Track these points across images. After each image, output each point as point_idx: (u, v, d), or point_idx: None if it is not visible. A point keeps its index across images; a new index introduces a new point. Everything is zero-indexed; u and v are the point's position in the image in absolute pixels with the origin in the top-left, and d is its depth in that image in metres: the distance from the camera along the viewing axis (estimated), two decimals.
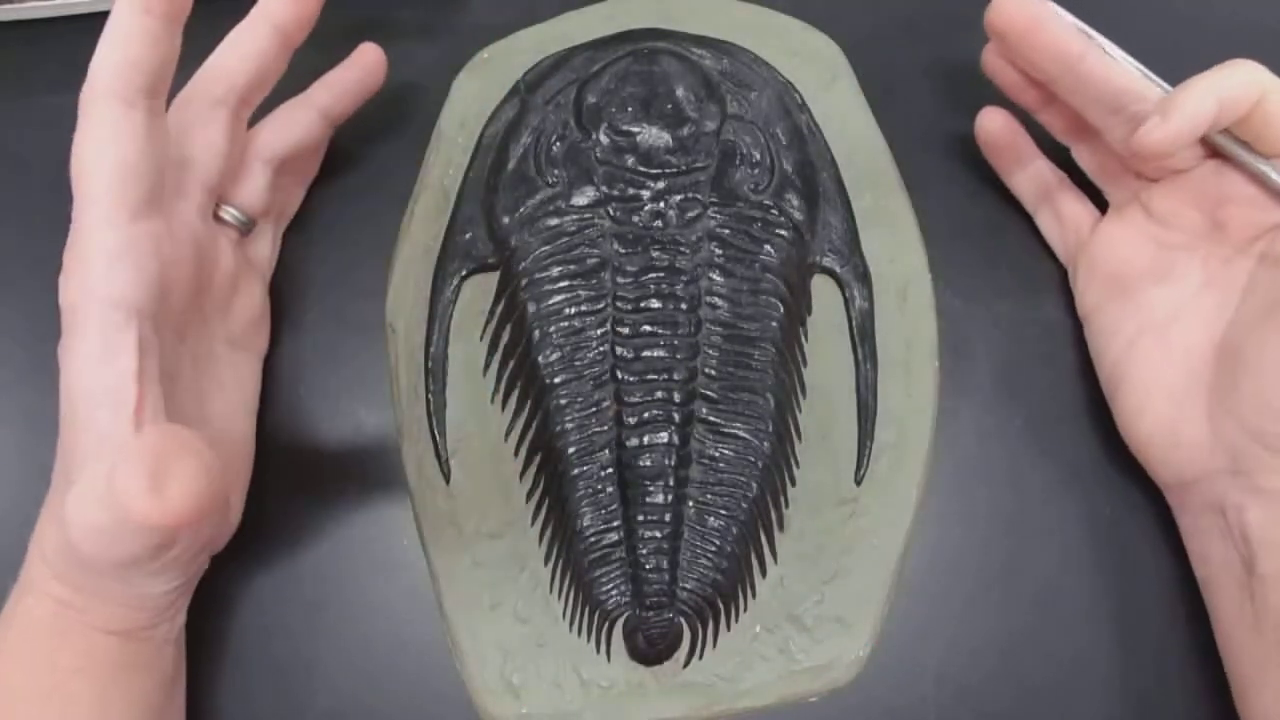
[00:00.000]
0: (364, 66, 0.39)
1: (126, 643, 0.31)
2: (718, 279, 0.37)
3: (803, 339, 0.38)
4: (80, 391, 0.28)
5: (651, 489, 0.35)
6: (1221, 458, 0.33)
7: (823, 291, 0.38)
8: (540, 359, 0.36)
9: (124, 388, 0.28)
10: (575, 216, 0.37)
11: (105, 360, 0.28)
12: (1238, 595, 0.32)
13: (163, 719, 0.33)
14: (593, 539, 0.36)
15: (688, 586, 0.35)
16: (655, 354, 0.36)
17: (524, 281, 0.37)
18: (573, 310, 0.37)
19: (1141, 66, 0.34)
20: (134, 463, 0.26)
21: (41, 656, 0.30)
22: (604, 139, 0.38)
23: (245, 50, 0.35)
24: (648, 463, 0.36)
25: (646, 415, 0.36)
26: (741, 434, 0.36)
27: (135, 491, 0.26)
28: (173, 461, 0.27)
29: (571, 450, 0.36)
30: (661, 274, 0.36)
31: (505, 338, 0.38)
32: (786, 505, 0.37)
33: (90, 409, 0.28)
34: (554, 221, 0.37)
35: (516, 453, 0.37)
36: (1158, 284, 0.35)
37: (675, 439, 0.36)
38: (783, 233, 0.37)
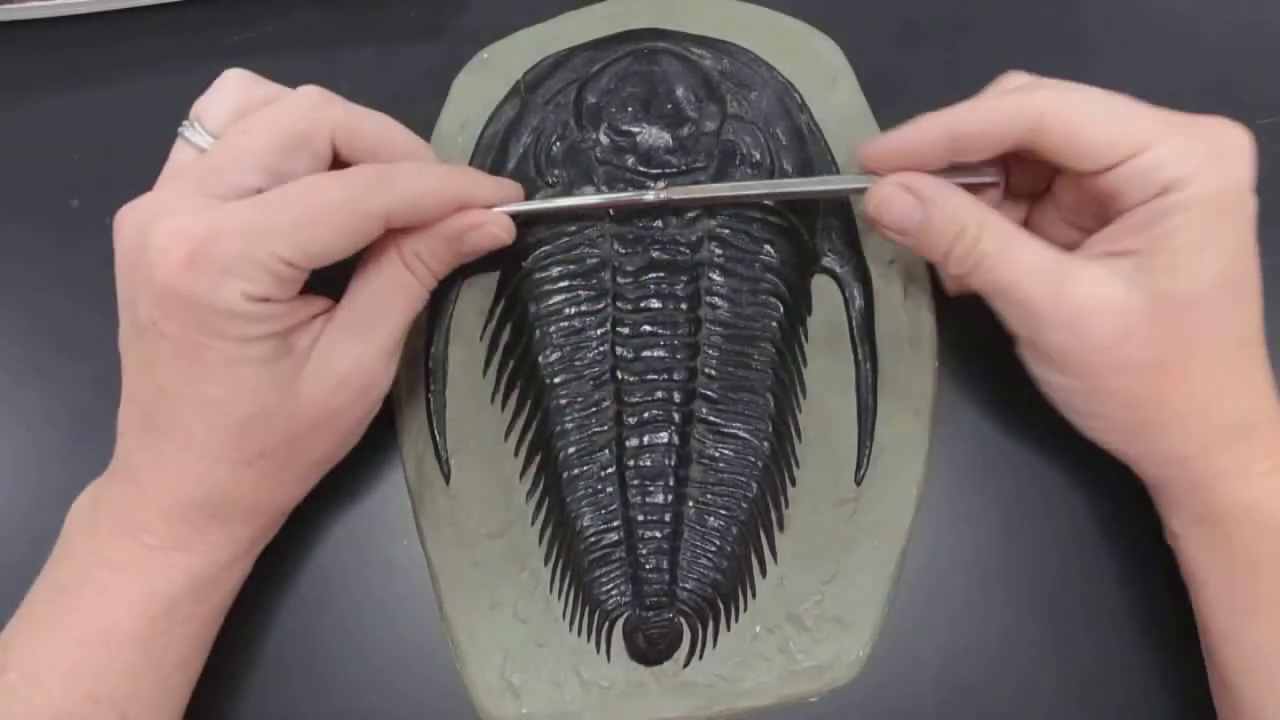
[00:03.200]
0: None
1: (213, 587, 0.33)
2: (718, 279, 0.37)
3: (803, 339, 0.38)
4: (232, 390, 0.30)
5: (651, 489, 0.35)
6: None
7: (823, 291, 0.38)
8: (540, 359, 0.36)
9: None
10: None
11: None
12: None
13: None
14: (593, 539, 0.36)
15: (688, 586, 0.35)
16: (655, 354, 0.36)
17: (524, 281, 0.37)
18: (573, 310, 0.37)
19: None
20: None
21: (154, 604, 0.31)
22: (604, 139, 0.38)
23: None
24: (648, 463, 0.36)
25: (646, 415, 0.36)
26: (741, 434, 0.36)
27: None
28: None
29: (571, 450, 0.36)
30: (661, 274, 0.36)
31: (505, 338, 0.38)
32: (786, 505, 0.37)
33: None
34: None
35: (516, 453, 0.37)
36: None
37: (675, 439, 0.36)
38: (783, 233, 0.37)
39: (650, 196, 0.35)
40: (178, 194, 0.31)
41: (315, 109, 0.32)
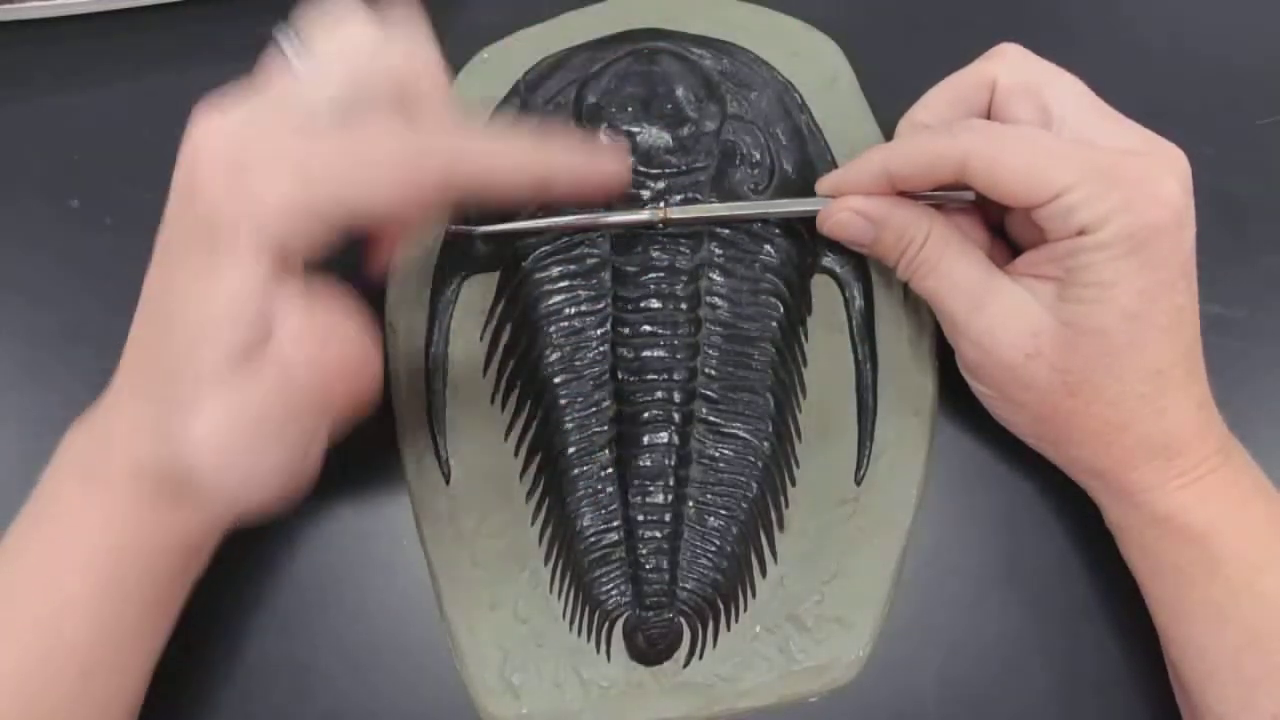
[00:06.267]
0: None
1: (187, 557, 0.31)
2: (717, 279, 0.37)
3: (803, 339, 0.38)
4: (210, 312, 0.27)
5: (651, 489, 0.35)
6: None
7: (823, 291, 0.38)
8: (540, 359, 0.36)
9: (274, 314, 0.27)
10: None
11: (253, 289, 0.27)
12: None
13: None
14: (593, 539, 0.36)
15: (688, 586, 0.35)
16: (655, 354, 0.36)
17: (524, 281, 0.37)
18: (573, 310, 0.37)
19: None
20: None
21: (110, 565, 0.30)
22: (604, 139, 0.37)
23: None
24: (648, 463, 0.36)
25: (646, 415, 0.36)
26: (741, 434, 0.36)
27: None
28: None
29: (571, 450, 0.36)
30: (661, 274, 0.36)
31: (505, 338, 0.38)
32: (786, 505, 0.37)
33: (224, 332, 0.27)
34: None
35: (516, 453, 0.37)
36: None
37: (675, 439, 0.36)
38: (782, 233, 0.37)
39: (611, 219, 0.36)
40: (255, 106, 0.28)
41: (406, 58, 0.30)
